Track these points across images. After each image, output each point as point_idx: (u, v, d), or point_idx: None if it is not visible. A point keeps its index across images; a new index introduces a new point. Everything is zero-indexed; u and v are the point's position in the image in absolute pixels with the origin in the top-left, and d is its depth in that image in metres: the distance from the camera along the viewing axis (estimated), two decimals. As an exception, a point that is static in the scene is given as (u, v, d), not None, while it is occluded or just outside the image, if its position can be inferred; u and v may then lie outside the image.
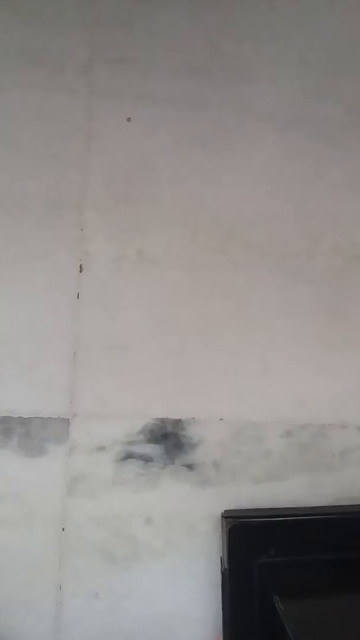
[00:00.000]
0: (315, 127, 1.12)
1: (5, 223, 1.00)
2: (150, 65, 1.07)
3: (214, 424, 1.01)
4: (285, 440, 1.05)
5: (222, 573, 0.93)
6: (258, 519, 0.96)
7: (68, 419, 0.98)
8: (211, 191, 1.08)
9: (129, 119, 1.06)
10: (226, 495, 1.01)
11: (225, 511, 0.97)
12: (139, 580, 0.98)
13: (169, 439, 0.99)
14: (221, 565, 0.95)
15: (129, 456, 0.98)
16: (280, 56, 1.12)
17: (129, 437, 0.98)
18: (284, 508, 1.01)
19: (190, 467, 0.99)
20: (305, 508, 1.01)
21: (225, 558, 0.92)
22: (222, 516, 0.97)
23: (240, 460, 1.01)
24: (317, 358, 1.08)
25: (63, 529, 0.95)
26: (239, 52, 1.11)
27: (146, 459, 0.98)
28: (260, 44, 1.12)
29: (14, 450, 0.96)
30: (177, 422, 1.00)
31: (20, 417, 0.96)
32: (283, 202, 1.10)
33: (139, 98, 1.06)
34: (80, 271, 1.02)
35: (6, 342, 0.98)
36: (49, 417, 0.97)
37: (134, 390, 1.00)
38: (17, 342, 0.99)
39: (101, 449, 0.98)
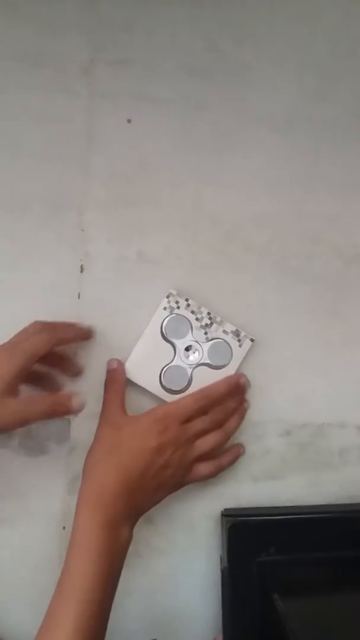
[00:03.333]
0: (315, 128, 1.12)
1: (6, 223, 1.00)
2: (150, 66, 1.07)
3: (214, 424, 1.01)
4: (284, 439, 1.05)
5: (222, 571, 0.94)
6: (258, 518, 0.96)
7: (69, 419, 0.98)
8: (211, 192, 1.08)
9: (129, 121, 1.06)
10: (226, 494, 1.01)
11: (225, 510, 0.98)
12: (138, 579, 0.98)
13: (169, 438, 0.99)
14: (221, 564, 0.95)
15: (129, 455, 0.98)
16: (280, 57, 1.12)
17: (129, 436, 0.98)
18: (283, 507, 1.01)
19: (190, 466, 0.99)
20: (305, 507, 1.02)
21: (225, 556, 0.93)
22: (222, 515, 0.97)
23: (240, 459, 1.02)
24: (317, 358, 1.09)
25: (64, 528, 0.96)
26: (239, 53, 1.11)
27: (146, 458, 0.98)
28: (260, 45, 1.12)
29: (15, 449, 0.96)
30: (177, 422, 1.00)
31: (21, 416, 0.97)
32: (283, 202, 1.11)
33: (140, 99, 1.06)
34: (81, 271, 1.02)
35: (7, 342, 0.99)
36: (50, 417, 0.97)
37: (134, 390, 1.01)
38: (18, 342, 0.99)
39: (101, 448, 0.98)
